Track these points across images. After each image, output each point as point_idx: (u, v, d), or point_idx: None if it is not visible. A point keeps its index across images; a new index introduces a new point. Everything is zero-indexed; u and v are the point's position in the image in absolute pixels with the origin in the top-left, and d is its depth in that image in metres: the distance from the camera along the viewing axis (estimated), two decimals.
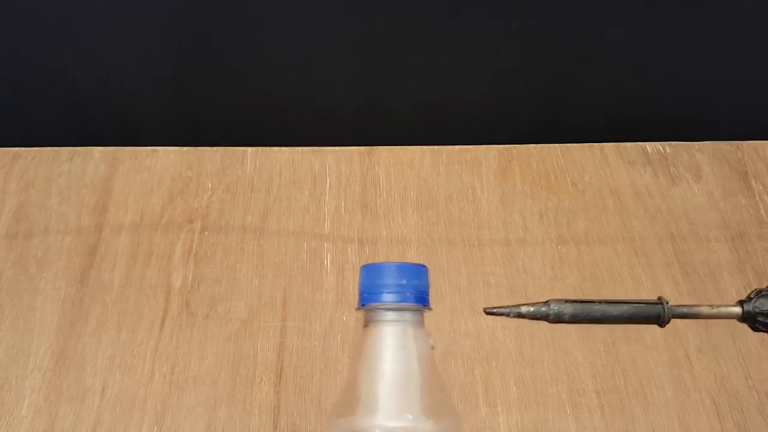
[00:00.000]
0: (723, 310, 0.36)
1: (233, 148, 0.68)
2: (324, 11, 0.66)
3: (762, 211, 0.65)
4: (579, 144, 0.69)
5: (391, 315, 0.36)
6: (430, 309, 0.37)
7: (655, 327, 0.57)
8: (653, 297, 0.58)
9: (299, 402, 0.53)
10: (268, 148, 0.68)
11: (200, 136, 0.70)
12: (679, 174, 0.68)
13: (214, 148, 0.68)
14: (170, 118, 0.74)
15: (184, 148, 0.68)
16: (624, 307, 0.35)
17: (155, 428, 0.51)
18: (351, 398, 0.35)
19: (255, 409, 0.52)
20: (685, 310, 0.35)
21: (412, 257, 0.61)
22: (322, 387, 0.54)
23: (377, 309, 0.36)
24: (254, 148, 0.68)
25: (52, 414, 0.52)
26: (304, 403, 0.53)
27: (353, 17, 0.67)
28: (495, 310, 0.35)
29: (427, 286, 0.37)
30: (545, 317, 0.34)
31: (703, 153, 0.69)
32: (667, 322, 0.35)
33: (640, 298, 0.35)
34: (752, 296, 0.36)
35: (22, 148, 0.67)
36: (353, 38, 0.69)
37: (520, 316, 0.35)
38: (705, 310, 0.35)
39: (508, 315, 0.35)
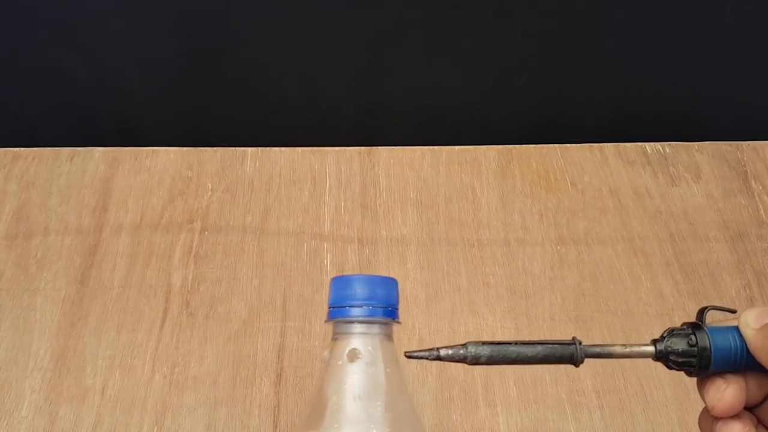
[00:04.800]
0: (636, 349, 0.36)
1: (233, 148, 0.68)
2: (324, 11, 0.66)
3: (761, 211, 0.65)
4: (579, 144, 0.69)
5: (359, 328, 0.36)
6: (399, 322, 0.37)
7: (654, 328, 0.57)
8: (653, 297, 0.59)
9: (299, 402, 0.53)
10: (268, 148, 0.68)
11: (200, 137, 0.70)
12: (679, 174, 0.68)
13: (214, 148, 0.68)
14: (170, 118, 0.74)
15: (184, 149, 0.68)
16: (538, 348, 0.35)
17: (155, 428, 0.51)
18: (317, 412, 0.35)
19: (255, 409, 0.53)
20: (598, 350, 0.35)
21: (412, 257, 0.61)
22: None
23: (345, 322, 0.36)
24: (254, 149, 0.68)
25: (53, 414, 0.52)
26: (304, 403, 0.53)
27: (353, 17, 0.67)
28: (415, 354, 0.35)
29: (397, 300, 0.37)
30: (463, 359, 0.35)
31: (703, 153, 0.69)
32: (581, 361, 0.35)
33: (554, 339, 0.35)
34: (665, 335, 0.36)
35: (22, 149, 0.67)
36: (353, 38, 0.69)
37: (439, 359, 0.35)
38: (618, 349, 0.35)
39: (427, 358, 0.35)
